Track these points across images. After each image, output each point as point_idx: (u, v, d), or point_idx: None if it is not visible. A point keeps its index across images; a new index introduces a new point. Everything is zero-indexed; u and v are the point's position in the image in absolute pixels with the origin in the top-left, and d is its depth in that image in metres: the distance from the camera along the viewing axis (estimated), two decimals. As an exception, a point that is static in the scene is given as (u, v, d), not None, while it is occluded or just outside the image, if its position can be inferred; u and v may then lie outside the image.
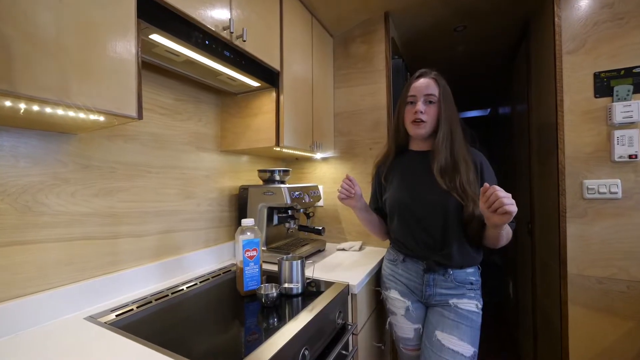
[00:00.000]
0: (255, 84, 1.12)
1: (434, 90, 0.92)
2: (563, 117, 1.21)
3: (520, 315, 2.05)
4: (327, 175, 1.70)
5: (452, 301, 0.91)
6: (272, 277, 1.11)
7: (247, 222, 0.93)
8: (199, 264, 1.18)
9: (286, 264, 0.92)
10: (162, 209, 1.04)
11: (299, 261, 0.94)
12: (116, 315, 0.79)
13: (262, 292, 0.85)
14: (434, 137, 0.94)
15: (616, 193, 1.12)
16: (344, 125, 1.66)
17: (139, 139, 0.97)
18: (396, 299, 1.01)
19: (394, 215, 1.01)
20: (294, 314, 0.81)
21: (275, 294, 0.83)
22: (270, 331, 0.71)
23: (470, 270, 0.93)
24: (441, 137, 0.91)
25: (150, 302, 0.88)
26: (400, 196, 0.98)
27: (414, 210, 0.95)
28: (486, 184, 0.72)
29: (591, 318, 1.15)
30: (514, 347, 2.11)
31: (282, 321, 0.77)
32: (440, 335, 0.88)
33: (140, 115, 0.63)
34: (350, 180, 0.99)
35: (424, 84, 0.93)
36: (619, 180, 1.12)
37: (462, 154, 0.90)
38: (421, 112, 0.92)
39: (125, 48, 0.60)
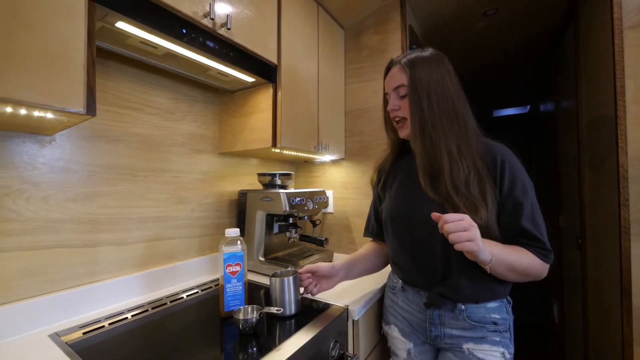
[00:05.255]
0: (249, 79, 1.02)
1: (402, 79, 0.74)
2: (625, 108, 0.97)
3: (566, 348, 1.74)
4: (337, 180, 1.56)
5: (467, 346, 0.70)
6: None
7: (231, 232, 0.82)
8: (192, 274, 1.10)
9: (276, 282, 0.80)
10: (149, 215, 0.97)
11: (291, 277, 0.80)
12: (84, 333, 0.72)
13: (240, 316, 0.73)
14: None
15: (703, 205, 0.86)
16: (355, 124, 1.51)
17: (124, 141, 0.91)
18: (396, 339, 0.83)
19: (388, 231, 0.84)
20: (277, 343, 0.68)
21: (255, 319, 0.71)
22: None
23: (492, 305, 0.70)
24: (412, 135, 0.73)
25: (126, 318, 0.80)
26: (394, 207, 0.81)
27: (409, 225, 0.77)
28: (434, 214, 0.58)
29: (667, 365, 0.89)
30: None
31: (261, 353, 0.65)
32: None
33: (90, 111, 0.55)
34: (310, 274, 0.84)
35: (391, 76, 0.77)
36: None
37: (444, 146, 0.69)
38: (395, 109, 0.76)
39: (70, 34, 0.53)
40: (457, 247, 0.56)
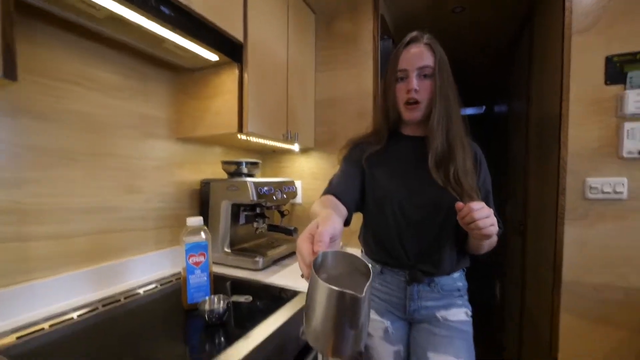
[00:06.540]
0: (212, 56, 0.94)
1: (429, 60, 0.73)
2: (568, 108, 1.07)
3: (505, 320, 1.97)
4: (305, 170, 1.54)
5: (440, 314, 0.78)
6: (237, 283, 0.96)
7: (193, 221, 0.77)
8: (150, 269, 1.01)
9: (343, 298, 0.33)
10: (93, 206, 0.86)
11: (367, 288, 0.35)
12: (17, 338, 0.62)
13: (206, 307, 0.69)
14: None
15: (621, 193, 1.00)
16: (325, 114, 1.49)
17: (59, 120, 0.78)
18: (372, 320, 0.84)
19: (380, 213, 0.81)
20: (244, 332, 0.66)
21: (222, 309, 0.68)
22: (207, 358, 0.56)
23: (456, 275, 0.81)
24: (436, 119, 0.73)
25: (72, 318, 0.72)
26: (394, 191, 0.78)
27: (408, 211, 0.77)
28: (459, 203, 0.61)
29: (584, 328, 1.05)
30: (497, 353, 2.03)
31: (228, 342, 0.62)
32: (434, 357, 0.74)
33: (9, 75, 0.45)
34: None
35: (417, 54, 0.74)
36: (626, 179, 0.99)
37: (459, 136, 0.74)
38: (415, 90, 0.74)
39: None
40: (483, 232, 0.58)
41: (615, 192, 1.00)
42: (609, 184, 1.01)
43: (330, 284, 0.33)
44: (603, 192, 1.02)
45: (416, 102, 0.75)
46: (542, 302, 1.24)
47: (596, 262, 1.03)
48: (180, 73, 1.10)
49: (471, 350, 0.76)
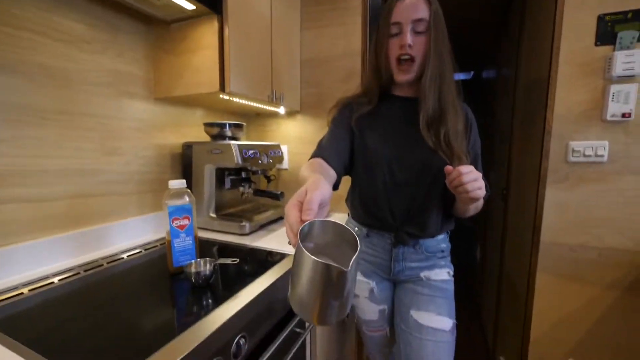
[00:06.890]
0: (188, 5, 0.85)
1: (424, 12, 0.68)
2: (557, 70, 1.06)
3: (485, 279, 2.09)
4: (292, 134, 1.50)
5: (424, 274, 0.80)
6: (223, 247, 0.96)
7: (175, 183, 0.74)
8: (132, 234, 0.99)
9: (331, 272, 0.33)
10: (71, 167, 0.82)
11: (354, 260, 0.34)
12: (-5, 302, 0.61)
13: (192, 269, 0.69)
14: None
15: (602, 156, 1.02)
16: (312, 74, 1.42)
17: (25, 72, 0.71)
18: (358, 281, 0.86)
19: (369, 175, 0.79)
20: (232, 293, 0.66)
21: (209, 271, 0.68)
22: (195, 319, 0.56)
23: (440, 237, 0.82)
24: (429, 78, 0.69)
25: (52, 282, 0.70)
26: (383, 152, 0.76)
27: (398, 173, 0.76)
28: (448, 167, 0.60)
29: (558, 286, 1.12)
30: (476, 310, 2.18)
31: (215, 303, 0.62)
32: (416, 314, 0.78)
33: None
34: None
35: (411, 5, 0.68)
36: (607, 142, 1.01)
37: (451, 98, 0.71)
38: (409, 46, 0.68)
39: None
40: (470, 195, 0.58)
41: (597, 156, 1.03)
42: (591, 147, 1.03)
43: (317, 253, 0.33)
44: (585, 156, 1.04)
45: (410, 59, 0.71)
46: (520, 264, 1.31)
47: (574, 223, 1.08)
48: (156, 25, 1.01)
49: (452, 307, 0.79)
